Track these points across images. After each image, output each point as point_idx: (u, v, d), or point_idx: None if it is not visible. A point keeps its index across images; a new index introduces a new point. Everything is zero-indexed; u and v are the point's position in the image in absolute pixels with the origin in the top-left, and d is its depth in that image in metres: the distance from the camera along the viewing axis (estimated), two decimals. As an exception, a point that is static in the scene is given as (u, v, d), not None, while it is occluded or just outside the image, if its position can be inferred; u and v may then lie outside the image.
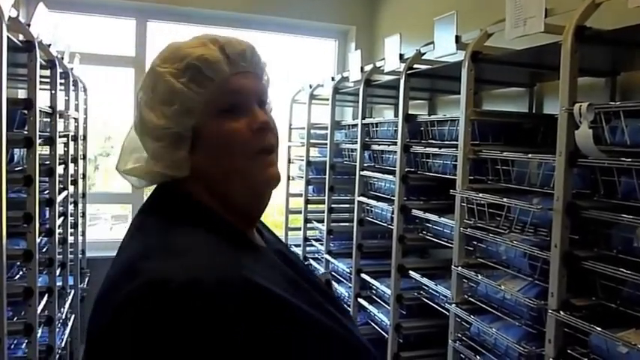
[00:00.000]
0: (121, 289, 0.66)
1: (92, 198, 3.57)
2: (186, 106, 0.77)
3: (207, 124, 0.77)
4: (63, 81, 2.47)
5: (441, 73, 2.16)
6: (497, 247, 1.64)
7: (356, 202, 2.67)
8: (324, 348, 0.76)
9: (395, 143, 2.28)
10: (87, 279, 3.25)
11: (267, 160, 0.80)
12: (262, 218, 0.92)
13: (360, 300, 2.63)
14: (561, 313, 1.33)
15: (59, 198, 2.26)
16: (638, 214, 1.20)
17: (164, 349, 0.62)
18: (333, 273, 2.91)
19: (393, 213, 2.29)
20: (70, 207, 2.71)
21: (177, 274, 0.64)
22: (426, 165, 2.14)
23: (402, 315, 2.26)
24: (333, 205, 3.03)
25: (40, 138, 1.93)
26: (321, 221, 3.16)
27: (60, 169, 2.36)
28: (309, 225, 3.37)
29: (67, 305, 2.62)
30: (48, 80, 2.18)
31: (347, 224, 2.98)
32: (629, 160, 1.21)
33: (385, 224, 2.42)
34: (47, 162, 2.15)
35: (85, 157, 3.24)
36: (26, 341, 1.91)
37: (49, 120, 2.15)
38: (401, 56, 2.27)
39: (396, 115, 2.45)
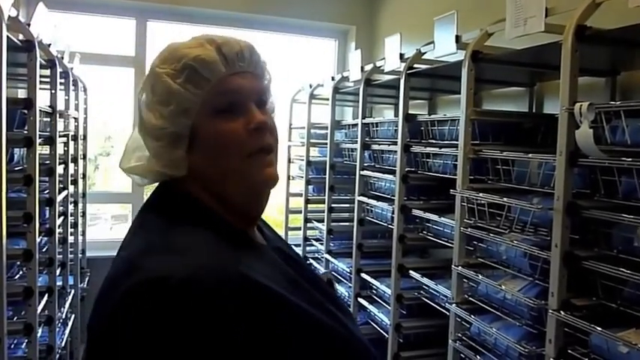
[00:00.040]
0: (121, 286, 0.66)
1: (92, 198, 3.57)
2: (183, 106, 0.77)
3: (204, 124, 0.78)
4: (63, 81, 2.46)
5: (441, 72, 2.16)
6: (497, 247, 1.64)
7: (356, 202, 2.67)
8: (324, 347, 0.76)
9: (395, 143, 2.28)
10: (87, 279, 3.25)
11: (264, 160, 0.80)
12: (262, 217, 0.93)
13: (360, 300, 2.63)
14: (562, 312, 1.32)
15: (59, 198, 2.26)
16: (639, 213, 1.20)
17: (163, 345, 0.63)
18: (333, 273, 2.91)
19: (393, 213, 2.29)
20: (70, 207, 2.71)
21: (177, 271, 0.65)
22: (426, 165, 2.14)
23: (402, 315, 2.26)
24: (333, 205, 3.03)
25: (40, 138, 1.93)
26: (321, 221, 3.16)
27: (60, 169, 2.36)
28: (309, 225, 3.36)
29: (67, 305, 2.62)
30: (48, 80, 2.18)
31: (347, 224, 2.98)
32: (630, 159, 1.21)
33: (385, 224, 2.42)
34: (47, 162, 2.15)
35: (85, 157, 3.24)
36: (26, 341, 1.91)
37: (49, 120, 2.15)
38: (401, 56, 2.27)
39: (396, 114, 2.44)
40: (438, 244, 2.07)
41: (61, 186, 2.43)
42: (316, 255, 3.31)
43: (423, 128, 2.20)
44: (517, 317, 1.57)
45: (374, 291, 2.56)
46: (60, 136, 2.30)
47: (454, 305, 1.77)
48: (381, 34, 3.56)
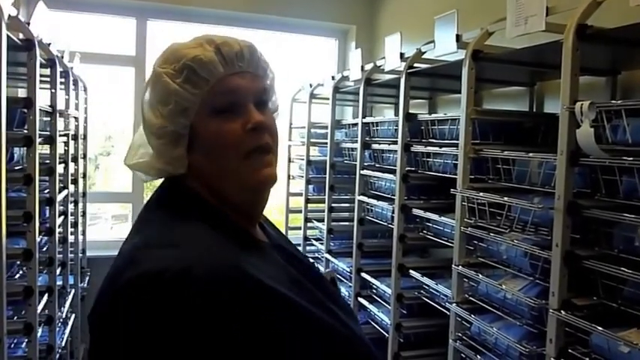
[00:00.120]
0: (120, 279, 0.68)
1: (92, 197, 3.57)
2: (182, 106, 0.78)
3: (202, 123, 0.79)
4: (63, 80, 2.46)
5: (442, 72, 2.16)
6: (497, 247, 1.63)
7: (356, 202, 2.66)
8: (325, 345, 0.76)
9: (395, 142, 2.28)
10: (87, 278, 3.24)
11: (262, 160, 0.80)
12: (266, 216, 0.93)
13: (361, 299, 2.63)
14: (562, 312, 1.32)
15: (59, 197, 2.26)
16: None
17: (159, 338, 0.64)
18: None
19: (393, 212, 2.28)
20: (71, 206, 2.71)
21: (173, 265, 0.67)
22: (426, 164, 2.14)
23: (402, 314, 2.26)
24: (333, 205, 3.03)
25: (40, 137, 1.93)
26: (321, 220, 3.16)
27: (60, 168, 2.35)
28: (309, 224, 3.36)
29: (67, 304, 2.62)
30: (48, 79, 2.18)
31: (347, 223, 2.98)
32: (631, 159, 1.21)
33: (385, 223, 2.42)
34: (47, 161, 2.15)
35: (85, 157, 3.24)
36: (26, 340, 1.91)
37: (49, 119, 2.15)
38: (401, 55, 2.27)
39: (397, 114, 2.44)
40: (439, 243, 2.07)
41: (61, 185, 2.43)
42: (316, 254, 3.31)
43: (423, 127, 2.19)
44: (518, 317, 1.56)
45: (374, 290, 2.56)
46: (60, 136, 2.30)
47: (454, 305, 1.76)
48: (381, 33, 3.56)
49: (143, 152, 0.85)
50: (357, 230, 2.66)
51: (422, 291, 2.18)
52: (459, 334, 1.77)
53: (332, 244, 3.04)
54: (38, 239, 1.94)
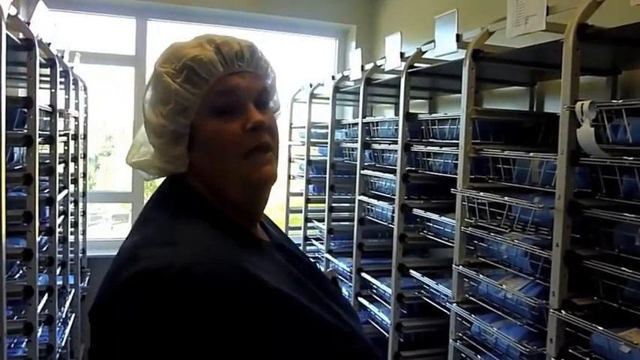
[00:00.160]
0: (120, 276, 0.69)
1: (93, 197, 3.57)
2: (182, 105, 0.78)
3: (202, 123, 0.79)
4: (63, 80, 2.46)
5: (442, 71, 2.15)
6: (498, 246, 1.63)
7: (356, 201, 2.66)
8: (325, 344, 0.76)
9: (395, 142, 2.28)
10: (87, 278, 3.24)
11: (262, 158, 0.80)
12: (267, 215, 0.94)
13: (361, 299, 2.62)
14: (563, 312, 1.32)
15: (59, 197, 2.26)
16: (640, 212, 1.20)
17: (156, 337, 0.64)
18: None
19: (393, 212, 2.28)
20: (71, 206, 2.71)
21: (173, 263, 0.67)
22: (426, 164, 2.14)
23: (402, 314, 2.26)
24: (333, 205, 3.02)
25: (39, 137, 1.93)
26: (321, 220, 3.16)
27: (60, 168, 2.35)
28: (309, 224, 3.36)
29: (67, 304, 2.62)
30: (48, 79, 2.18)
31: (347, 223, 2.98)
32: (631, 158, 1.20)
33: (386, 223, 2.42)
34: (47, 161, 2.15)
35: (85, 156, 3.24)
36: (26, 340, 1.91)
37: (49, 119, 2.15)
38: (401, 55, 2.26)
39: (397, 113, 2.44)
40: (439, 243, 2.06)
41: (61, 185, 2.43)
42: (317, 254, 3.31)
43: (423, 127, 2.19)
44: (518, 317, 1.56)
45: (374, 290, 2.56)
46: (60, 135, 2.30)
47: (455, 305, 1.76)
48: (381, 33, 3.55)
49: (145, 151, 0.85)
50: (357, 230, 2.66)
51: (422, 291, 2.18)
52: (460, 334, 1.77)
53: (332, 243, 3.04)
54: (38, 239, 1.94)
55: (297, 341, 0.72)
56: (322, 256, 3.09)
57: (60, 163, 2.33)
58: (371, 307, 2.52)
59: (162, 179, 0.87)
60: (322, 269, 3.05)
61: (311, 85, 3.35)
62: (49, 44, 2.13)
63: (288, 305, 0.73)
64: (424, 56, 2.18)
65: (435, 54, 2.02)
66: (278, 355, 0.70)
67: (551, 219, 1.38)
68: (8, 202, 1.58)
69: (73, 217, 2.81)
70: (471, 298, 1.74)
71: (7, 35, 1.56)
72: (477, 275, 1.69)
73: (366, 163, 2.63)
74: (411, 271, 2.19)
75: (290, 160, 3.64)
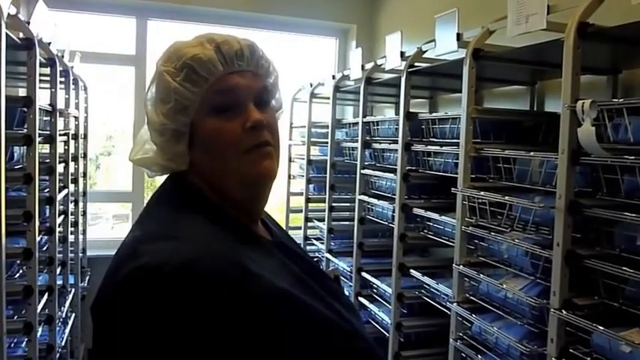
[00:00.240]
0: (120, 271, 0.69)
1: (93, 197, 3.56)
2: (182, 104, 0.79)
3: (201, 121, 0.79)
4: (63, 79, 2.46)
5: (442, 70, 2.15)
6: (498, 246, 1.63)
7: (357, 201, 2.66)
8: (326, 342, 0.76)
9: (396, 141, 2.27)
10: (87, 278, 3.24)
11: (260, 153, 0.80)
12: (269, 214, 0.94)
13: (361, 299, 2.62)
14: (563, 312, 1.32)
15: (59, 196, 2.26)
16: (641, 212, 1.19)
17: (156, 332, 0.64)
18: (333, 272, 2.91)
19: (393, 211, 2.28)
20: (71, 205, 2.71)
21: (173, 258, 0.67)
22: (427, 163, 2.14)
23: (402, 314, 2.26)
24: (333, 204, 3.02)
25: (40, 136, 1.93)
26: (321, 220, 3.16)
27: (60, 168, 2.35)
28: (309, 224, 3.36)
29: (67, 304, 2.62)
30: (48, 78, 2.18)
31: (348, 223, 2.98)
32: (632, 157, 1.20)
33: (386, 223, 2.42)
34: (47, 160, 2.15)
35: (85, 156, 3.23)
36: (26, 340, 1.90)
37: (49, 118, 2.15)
38: (402, 54, 2.26)
39: (397, 113, 2.44)
40: (439, 242, 2.06)
41: (62, 185, 2.43)
42: (317, 254, 3.30)
43: (423, 127, 2.19)
44: (518, 316, 1.56)
45: (375, 290, 2.56)
46: (60, 135, 2.30)
47: (455, 304, 1.76)
48: (381, 32, 3.55)
49: (148, 148, 0.86)
50: (357, 230, 2.66)
51: (422, 290, 2.17)
52: (460, 334, 1.77)
53: (332, 243, 3.04)
54: (38, 238, 1.93)
55: (299, 339, 0.72)
56: (323, 256, 3.09)
57: (60, 162, 2.33)
58: (371, 306, 2.52)
59: (163, 178, 0.87)
60: (323, 268, 3.06)
61: (311, 85, 3.34)
62: (49, 44, 2.13)
63: (289, 303, 0.73)
64: (424, 55, 2.18)
65: (435, 53, 2.02)
66: (279, 353, 0.70)
67: (552, 218, 1.37)
68: (8, 201, 1.58)
69: (73, 216, 2.81)
70: (471, 297, 1.74)
71: (7, 34, 1.56)
72: (478, 275, 1.69)
73: (366, 163, 2.63)
74: (412, 270, 2.19)
75: (290, 160, 3.64)
